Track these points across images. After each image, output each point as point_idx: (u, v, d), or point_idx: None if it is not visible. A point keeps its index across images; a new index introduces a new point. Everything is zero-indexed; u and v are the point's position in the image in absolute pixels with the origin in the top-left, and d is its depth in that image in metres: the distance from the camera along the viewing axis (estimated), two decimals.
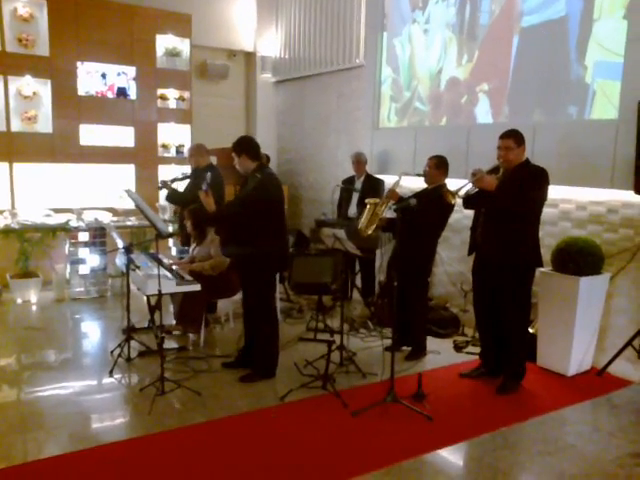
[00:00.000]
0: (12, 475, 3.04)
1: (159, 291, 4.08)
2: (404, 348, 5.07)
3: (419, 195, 4.71)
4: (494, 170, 4.12)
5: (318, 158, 8.57)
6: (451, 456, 3.37)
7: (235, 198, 4.34)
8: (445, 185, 4.81)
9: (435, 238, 4.85)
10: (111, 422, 3.73)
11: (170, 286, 4.34)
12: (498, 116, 5.54)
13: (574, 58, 4.84)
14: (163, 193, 6.33)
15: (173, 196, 5.85)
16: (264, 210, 4.16)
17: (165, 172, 8.04)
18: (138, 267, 4.74)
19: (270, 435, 3.54)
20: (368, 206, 4.82)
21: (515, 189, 3.93)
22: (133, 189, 7.95)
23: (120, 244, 4.84)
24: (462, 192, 4.17)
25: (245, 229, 4.21)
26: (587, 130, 4.75)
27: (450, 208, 4.66)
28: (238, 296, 5.28)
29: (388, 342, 5.16)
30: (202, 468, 3.14)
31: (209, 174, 4.32)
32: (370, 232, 4.71)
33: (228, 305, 5.71)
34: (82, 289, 6.65)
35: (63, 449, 3.31)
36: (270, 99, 9.52)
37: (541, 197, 4.07)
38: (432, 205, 4.51)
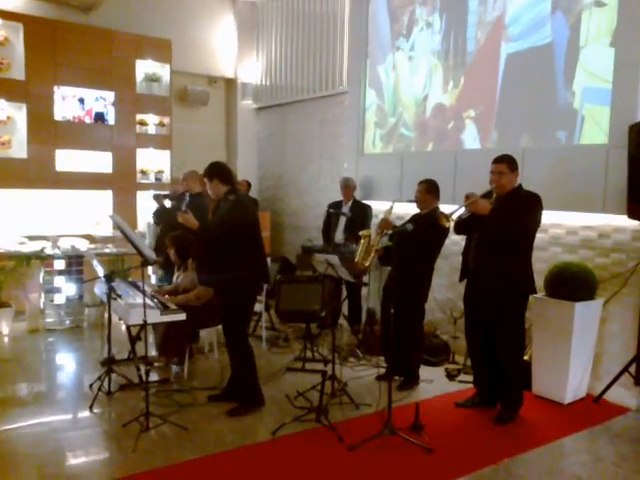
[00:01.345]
0: None
1: (144, 321, 3.89)
2: (396, 378, 4.94)
3: (414, 220, 4.65)
4: (487, 195, 4.07)
5: (300, 184, 8.50)
6: None
7: (211, 222, 4.22)
8: (439, 208, 4.76)
9: (432, 263, 4.78)
10: (93, 461, 3.49)
11: (154, 316, 4.16)
12: (486, 141, 5.55)
13: (562, 84, 4.88)
14: (144, 216, 6.28)
15: (161, 212, 5.76)
16: (241, 231, 4.08)
17: (144, 198, 7.88)
18: (119, 296, 4.55)
19: (264, 472, 3.36)
20: (362, 239, 4.75)
21: (508, 214, 3.88)
22: (110, 214, 7.78)
23: (100, 272, 4.64)
24: (454, 216, 4.11)
25: (222, 252, 4.10)
26: (577, 155, 4.77)
27: (446, 231, 4.60)
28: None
29: (380, 371, 5.09)
30: None
31: (187, 194, 4.25)
32: (367, 264, 4.62)
33: (211, 334, 5.52)
34: (57, 319, 6.39)
35: None
36: (251, 125, 9.47)
37: (534, 223, 4.02)
38: (428, 229, 4.43)
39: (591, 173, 4.62)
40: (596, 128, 4.66)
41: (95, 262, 4.69)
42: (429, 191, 4.82)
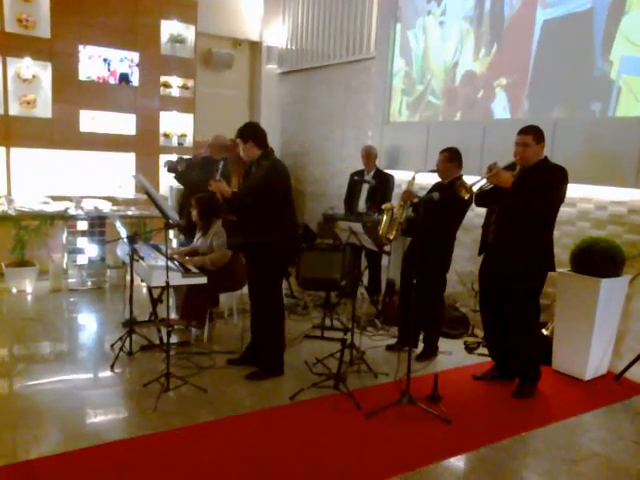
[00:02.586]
0: (8, 474, 2.87)
1: (167, 282, 3.91)
2: (406, 349, 4.92)
3: (436, 189, 4.58)
4: (510, 167, 3.94)
5: (323, 152, 8.42)
6: (473, 462, 3.23)
7: (243, 187, 4.15)
8: (461, 177, 4.68)
9: (454, 232, 4.73)
10: (115, 419, 3.56)
11: (176, 278, 4.18)
12: (517, 112, 5.41)
13: (599, 53, 4.71)
14: (166, 180, 6.21)
15: (182, 177, 5.80)
16: (274, 198, 4.01)
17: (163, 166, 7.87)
18: (142, 258, 4.57)
19: (281, 436, 3.40)
20: (385, 211, 4.69)
21: (532, 188, 3.77)
22: (133, 178, 7.80)
23: (123, 234, 4.67)
24: (476, 187, 4.02)
25: (254, 218, 4.05)
26: (611, 128, 4.63)
27: (469, 201, 4.54)
28: (242, 290, 5.14)
29: (394, 341, 5.10)
30: (210, 468, 2.98)
31: (222, 163, 4.16)
32: (392, 237, 4.57)
33: (231, 299, 5.56)
34: (79, 280, 6.47)
35: (63, 447, 3.14)
36: (275, 91, 9.37)
37: (558, 198, 3.91)
38: (452, 198, 4.36)
39: (625, 147, 4.49)
40: (632, 100, 4.51)
41: (118, 223, 4.71)
42: (451, 160, 4.73)
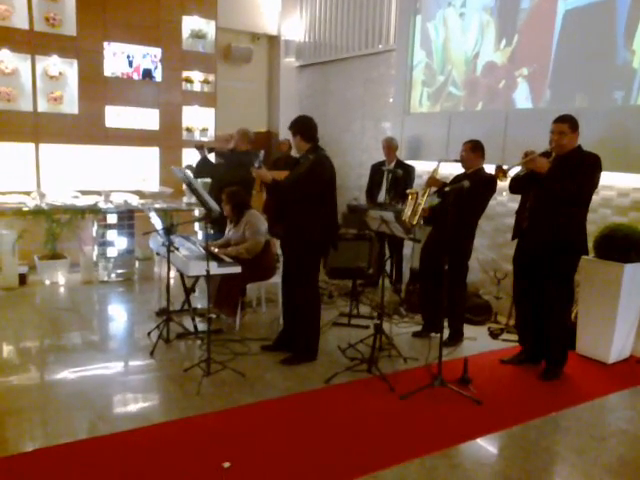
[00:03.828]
0: (69, 451, 3.06)
1: (207, 272, 4.07)
2: (433, 335, 5.06)
3: (460, 179, 4.69)
4: (545, 155, 4.08)
5: (342, 144, 8.54)
6: (506, 439, 3.37)
7: (287, 177, 4.29)
8: (484, 168, 4.81)
9: (477, 220, 4.86)
10: (160, 402, 3.74)
11: (212, 267, 4.33)
12: (539, 101, 5.50)
13: (621, 42, 4.79)
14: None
15: (204, 165, 5.85)
16: (316, 191, 4.15)
17: (189, 155, 8.04)
18: (177, 248, 4.73)
19: (320, 416, 3.56)
20: (410, 196, 4.81)
21: (567, 173, 3.91)
22: (157, 172, 7.98)
23: (158, 225, 4.82)
24: (511, 173, 4.14)
25: (295, 209, 4.20)
26: (633, 116, 4.72)
27: (494, 190, 4.66)
28: (269, 280, 5.30)
29: (419, 328, 5.24)
30: (256, 448, 3.14)
31: (262, 152, 4.31)
32: (415, 222, 4.70)
33: (258, 289, 5.71)
34: (109, 272, 6.65)
35: (115, 428, 3.31)
36: (293, 84, 9.49)
37: (593, 183, 4.04)
38: (477, 187, 4.47)
39: None
40: None
41: (153, 215, 4.86)
42: (474, 150, 4.85)
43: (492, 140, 5.36)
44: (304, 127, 4.29)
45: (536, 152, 4.02)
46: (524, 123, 5.52)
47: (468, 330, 5.24)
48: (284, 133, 8.81)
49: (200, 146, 6.23)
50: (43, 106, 7.23)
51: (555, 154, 4.06)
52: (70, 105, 7.40)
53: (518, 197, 4.51)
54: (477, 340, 5.11)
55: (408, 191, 4.96)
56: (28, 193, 6.78)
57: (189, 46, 8.11)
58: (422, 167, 6.77)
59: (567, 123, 4.03)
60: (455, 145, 5.95)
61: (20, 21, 6.94)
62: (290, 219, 4.26)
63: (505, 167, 4.07)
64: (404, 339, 5.08)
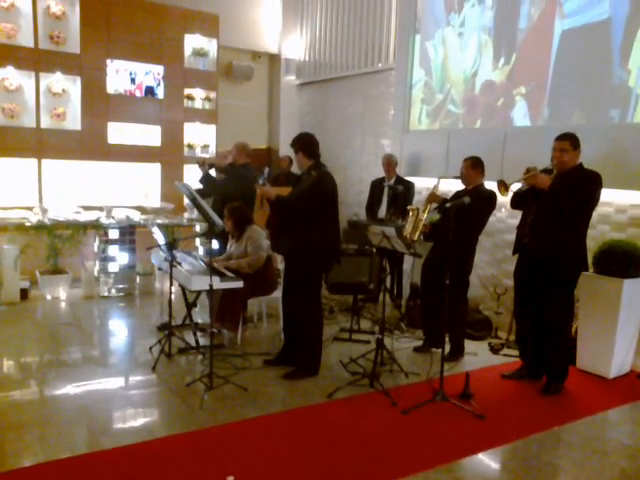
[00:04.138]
0: (71, 466, 3.06)
1: (210, 286, 4.10)
2: (434, 350, 5.09)
3: (461, 195, 4.75)
4: (546, 172, 4.14)
5: (342, 160, 8.61)
6: (508, 454, 3.39)
7: (290, 193, 4.34)
8: (483, 185, 4.88)
9: (477, 236, 4.91)
10: (163, 416, 3.75)
11: (215, 282, 4.35)
12: (537, 119, 5.59)
13: (617, 61, 4.89)
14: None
15: (207, 181, 5.90)
16: (319, 207, 4.20)
17: (190, 172, 8.10)
18: (179, 263, 4.77)
19: (323, 431, 3.56)
20: (411, 212, 4.87)
21: (569, 190, 3.96)
22: (158, 188, 8.03)
23: (161, 240, 4.86)
24: (513, 187, 4.20)
25: (298, 224, 4.25)
26: (630, 133, 4.80)
27: (494, 206, 4.71)
28: (272, 294, 5.32)
29: (419, 343, 5.27)
30: (259, 462, 3.15)
31: (267, 169, 4.35)
32: (416, 238, 4.75)
33: (259, 304, 5.73)
34: (110, 287, 6.67)
35: (117, 442, 3.31)
36: (293, 101, 9.60)
37: (593, 200, 4.11)
38: (477, 204, 4.53)
39: None
40: None
41: (156, 230, 4.90)
42: (474, 167, 4.91)
43: (491, 157, 5.43)
44: (306, 144, 4.36)
45: (537, 168, 4.09)
46: (522, 141, 5.60)
47: (469, 345, 5.26)
48: (284, 149, 8.89)
49: (202, 162, 6.28)
50: (46, 122, 7.29)
51: (556, 171, 4.11)
52: (73, 121, 7.47)
53: (517, 214, 4.57)
54: (478, 355, 5.13)
55: (409, 207, 5.02)
56: (30, 208, 6.83)
57: (191, 64, 8.21)
58: (421, 183, 6.84)
59: (569, 141, 4.10)
60: (454, 162, 6.02)
61: (25, 39, 7.03)
62: (293, 235, 4.30)
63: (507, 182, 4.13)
64: (405, 354, 5.10)
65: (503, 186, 4.07)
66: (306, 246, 4.23)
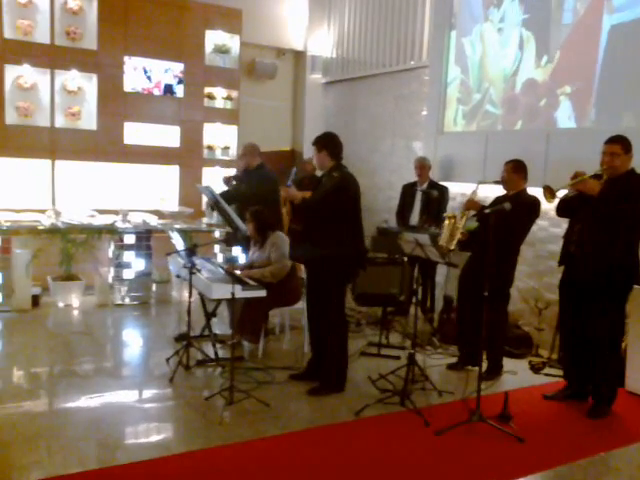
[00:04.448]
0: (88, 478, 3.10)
1: (232, 294, 4.12)
2: (469, 368, 5.04)
3: (500, 202, 4.71)
4: (596, 177, 4.08)
5: (371, 164, 8.63)
6: None
7: (313, 196, 4.36)
8: (526, 190, 4.83)
9: (519, 246, 4.87)
10: (181, 431, 3.77)
11: (237, 290, 4.37)
12: (583, 120, 5.54)
13: None
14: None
15: (233, 194, 5.96)
16: (343, 208, 4.21)
17: (210, 174, 8.19)
18: (199, 270, 4.81)
19: (350, 451, 3.55)
20: (447, 220, 4.85)
21: (620, 197, 3.90)
22: (177, 191, 8.12)
23: (180, 246, 4.90)
24: (559, 194, 4.16)
25: (320, 229, 4.26)
26: None
27: (537, 214, 4.66)
28: (295, 305, 5.34)
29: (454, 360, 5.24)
30: None
31: (294, 169, 4.38)
32: (452, 247, 4.73)
33: (281, 315, 5.74)
34: (125, 295, 6.74)
35: (133, 457, 3.34)
36: (319, 101, 9.64)
37: None
38: (519, 211, 4.49)
39: None
40: None
41: (175, 235, 4.95)
42: (516, 171, 4.87)
43: (532, 161, 5.37)
44: (332, 143, 4.38)
45: (586, 173, 4.03)
46: (567, 143, 5.55)
47: (507, 363, 5.20)
48: (309, 152, 8.90)
49: (228, 180, 6.37)
50: (60, 121, 7.44)
51: (606, 176, 4.06)
52: (88, 121, 7.61)
53: (561, 222, 4.53)
54: (517, 374, 5.07)
55: (446, 214, 5.00)
56: (43, 211, 6.95)
57: (212, 61, 8.32)
58: (455, 189, 6.81)
59: (620, 144, 4.05)
60: (492, 166, 5.99)
61: (41, 36, 7.20)
62: (315, 242, 4.30)
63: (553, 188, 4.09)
64: (438, 371, 5.07)
65: (549, 192, 4.02)
66: (329, 253, 4.23)
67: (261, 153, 6.30)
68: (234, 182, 6.44)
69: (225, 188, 6.40)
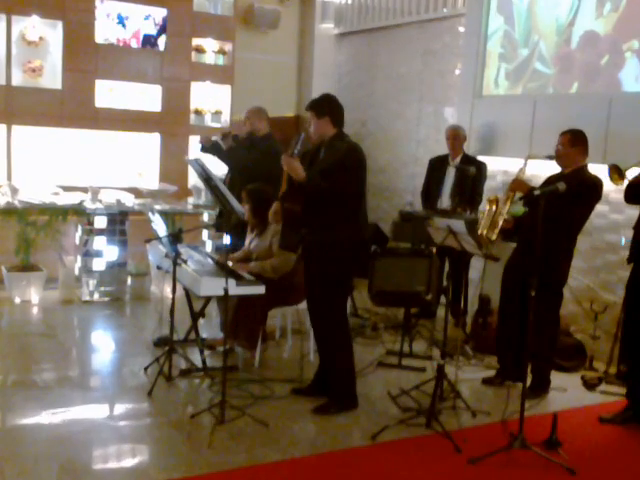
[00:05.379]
0: None
1: (225, 291, 4.11)
2: (509, 383, 5.02)
3: (554, 181, 4.67)
4: None
5: (393, 133, 8.59)
6: None
7: (313, 170, 4.25)
8: (586, 167, 4.77)
9: (576, 235, 4.84)
10: (162, 455, 3.78)
11: (229, 286, 4.35)
12: None
13: None
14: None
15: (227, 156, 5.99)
16: (352, 185, 4.22)
17: (197, 145, 8.14)
18: (185, 261, 4.79)
19: None
20: (489, 204, 4.82)
21: None
22: (157, 164, 8.10)
23: (163, 232, 4.87)
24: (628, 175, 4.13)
25: (319, 210, 4.23)
26: None
27: (598, 197, 4.62)
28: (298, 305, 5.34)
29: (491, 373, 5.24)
30: None
31: (302, 135, 4.30)
32: (494, 237, 4.70)
33: (281, 317, 5.75)
34: (94, 289, 6.75)
35: None
36: (331, 56, 9.60)
37: None
38: (578, 193, 4.45)
39: None
40: None
41: (156, 218, 4.92)
42: (575, 144, 4.82)
43: (591, 132, 5.30)
44: (336, 108, 4.36)
45: None
46: (634, 111, 5.49)
47: (556, 378, 5.19)
48: None
49: (227, 134, 6.31)
50: (18, 79, 7.45)
51: None
52: (52, 78, 7.61)
53: (623, 207, 4.48)
54: (568, 391, 5.07)
55: (487, 198, 4.97)
56: None
57: (201, 7, 8.31)
58: (496, 165, 6.76)
59: None
60: (542, 137, 5.95)
61: None
62: (313, 226, 4.27)
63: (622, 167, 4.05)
64: (472, 387, 5.08)
65: (617, 172, 3.99)
66: (332, 240, 4.23)
67: (269, 120, 6.27)
68: (233, 143, 6.38)
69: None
